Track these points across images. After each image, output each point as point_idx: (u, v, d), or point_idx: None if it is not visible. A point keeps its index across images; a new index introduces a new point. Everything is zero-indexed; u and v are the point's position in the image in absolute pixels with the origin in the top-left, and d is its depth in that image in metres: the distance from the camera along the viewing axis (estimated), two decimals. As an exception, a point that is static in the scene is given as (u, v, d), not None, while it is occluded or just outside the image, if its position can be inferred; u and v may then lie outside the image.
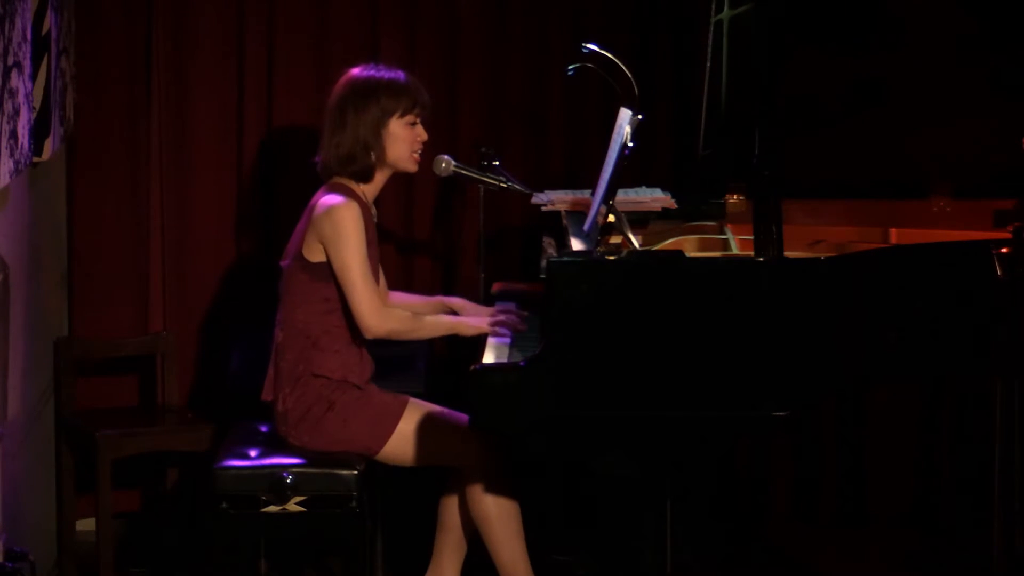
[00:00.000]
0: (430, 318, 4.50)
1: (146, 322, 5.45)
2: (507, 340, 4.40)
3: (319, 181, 4.52)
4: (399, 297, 4.77)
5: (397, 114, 4.46)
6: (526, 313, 4.56)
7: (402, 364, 4.88)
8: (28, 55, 4.41)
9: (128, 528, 5.41)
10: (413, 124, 4.49)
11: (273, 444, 4.46)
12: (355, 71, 4.50)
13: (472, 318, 4.53)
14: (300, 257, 4.42)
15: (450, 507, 4.56)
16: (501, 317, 4.49)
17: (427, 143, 4.55)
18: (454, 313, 4.67)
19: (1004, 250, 4.20)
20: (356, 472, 4.35)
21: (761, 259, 3.98)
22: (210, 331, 5.49)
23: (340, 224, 4.35)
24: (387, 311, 4.42)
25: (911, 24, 4.67)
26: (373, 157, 4.46)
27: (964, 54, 4.67)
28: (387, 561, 4.92)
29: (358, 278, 4.36)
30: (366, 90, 4.45)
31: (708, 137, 4.90)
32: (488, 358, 4.25)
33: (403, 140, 4.48)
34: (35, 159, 4.65)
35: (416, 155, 4.51)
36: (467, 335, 4.47)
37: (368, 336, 4.40)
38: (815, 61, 4.68)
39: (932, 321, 4.23)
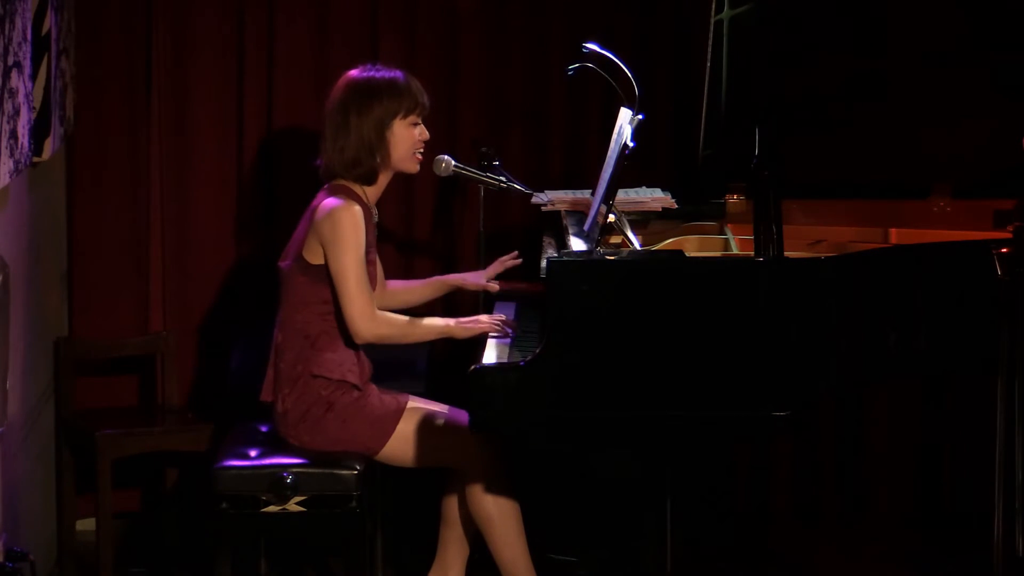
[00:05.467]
0: (423, 322, 4.47)
1: (146, 322, 5.44)
2: (507, 340, 4.40)
3: (320, 181, 4.52)
4: (397, 285, 4.77)
5: (400, 115, 4.46)
6: (515, 323, 4.55)
7: (402, 364, 4.88)
8: (28, 55, 4.41)
9: (128, 528, 5.41)
10: (415, 124, 4.49)
11: (273, 444, 4.46)
12: (354, 73, 4.49)
13: (465, 320, 4.49)
14: (300, 259, 4.42)
15: (453, 503, 4.56)
16: (500, 317, 4.48)
17: (427, 143, 4.55)
18: (454, 290, 4.71)
19: (1004, 250, 4.20)
20: (356, 472, 4.35)
21: (761, 259, 3.98)
22: (210, 331, 5.49)
23: (340, 227, 4.34)
24: (379, 316, 4.40)
25: (911, 24, 4.67)
26: (377, 159, 4.45)
27: (964, 54, 4.67)
28: (387, 561, 4.92)
29: (352, 282, 4.35)
30: (367, 92, 4.44)
31: (708, 137, 4.90)
32: (488, 358, 4.24)
33: (406, 141, 4.47)
34: (35, 159, 4.65)
35: (418, 155, 4.51)
36: (460, 338, 4.46)
37: (358, 340, 4.39)
38: (815, 61, 4.68)
39: (932, 321, 4.23)
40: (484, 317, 4.47)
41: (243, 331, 5.29)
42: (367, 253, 4.40)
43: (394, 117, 4.45)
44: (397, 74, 4.48)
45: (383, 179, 4.51)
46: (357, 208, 4.38)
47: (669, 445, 4.05)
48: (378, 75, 4.46)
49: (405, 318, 4.45)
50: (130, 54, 5.41)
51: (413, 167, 4.52)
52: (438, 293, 4.81)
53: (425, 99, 4.50)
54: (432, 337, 4.48)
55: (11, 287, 4.34)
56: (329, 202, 4.39)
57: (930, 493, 5.60)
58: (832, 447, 5.62)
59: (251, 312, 5.34)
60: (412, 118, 4.48)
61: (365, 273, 4.37)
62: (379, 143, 4.44)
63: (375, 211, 4.53)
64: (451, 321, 4.47)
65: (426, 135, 4.51)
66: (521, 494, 4.43)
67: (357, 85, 4.45)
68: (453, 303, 5.31)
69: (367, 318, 4.36)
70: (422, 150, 4.52)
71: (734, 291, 3.92)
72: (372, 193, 4.51)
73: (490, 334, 4.45)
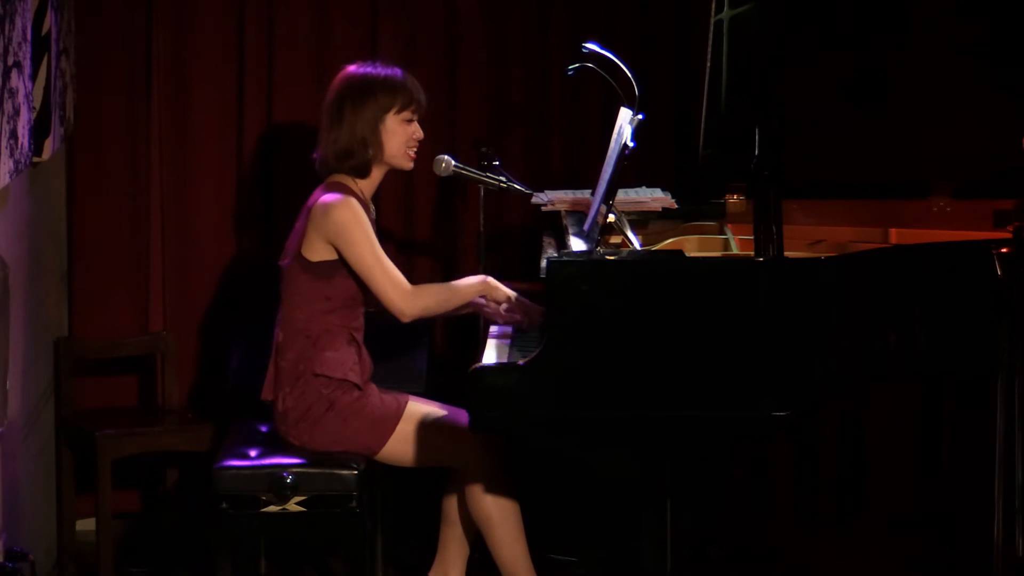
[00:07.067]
0: (460, 282, 4.49)
1: (146, 322, 5.45)
2: (507, 340, 4.40)
3: (319, 179, 4.52)
4: None
5: (394, 110, 4.47)
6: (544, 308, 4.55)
7: (402, 364, 4.88)
8: (28, 55, 4.41)
9: (128, 528, 5.41)
10: (409, 121, 4.50)
11: (273, 444, 4.47)
12: (352, 68, 4.51)
13: (502, 284, 4.52)
14: (300, 257, 4.43)
15: (452, 503, 4.56)
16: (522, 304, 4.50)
17: (427, 143, 4.55)
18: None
19: (1004, 250, 4.20)
20: (356, 472, 4.35)
21: (761, 259, 3.98)
22: (210, 331, 5.49)
23: (343, 221, 4.35)
24: (417, 290, 4.40)
25: (911, 23, 4.67)
26: (370, 153, 4.46)
27: (964, 53, 4.67)
28: (387, 561, 4.92)
29: (377, 267, 4.36)
30: (363, 87, 4.46)
31: (708, 137, 4.90)
32: (488, 358, 4.25)
33: (399, 136, 4.48)
34: (35, 159, 4.65)
35: (411, 152, 4.52)
36: (496, 298, 4.46)
37: (404, 320, 4.38)
38: (815, 60, 4.68)
39: (932, 321, 4.23)
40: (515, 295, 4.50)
41: (243, 330, 5.29)
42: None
43: (388, 111, 4.46)
44: (395, 71, 4.49)
45: (376, 173, 4.52)
46: (353, 200, 4.38)
47: (669, 445, 4.05)
48: (375, 71, 4.48)
49: (442, 285, 4.47)
50: (130, 54, 5.41)
51: (406, 164, 4.53)
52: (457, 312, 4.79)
53: (422, 97, 4.50)
54: (472, 296, 4.48)
55: (11, 287, 4.34)
56: (325, 199, 4.40)
57: (930, 493, 5.60)
58: (832, 447, 5.62)
59: (251, 311, 5.34)
60: (406, 114, 4.48)
61: (385, 256, 4.38)
62: (372, 136, 4.45)
63: (372, 207, 4.54)
64: (485, 277, 4.48)
65: (420, 134, 4.52)
66: (521, 494, 4.43)
67: (354, 79, 4.47)
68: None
69: (405, 296, 4.36)
70: (415, 148, 4.52)
71: (734, 291, 3.92)
72: (366, 187, 4.51)
73: (490, 335, 4.46)
